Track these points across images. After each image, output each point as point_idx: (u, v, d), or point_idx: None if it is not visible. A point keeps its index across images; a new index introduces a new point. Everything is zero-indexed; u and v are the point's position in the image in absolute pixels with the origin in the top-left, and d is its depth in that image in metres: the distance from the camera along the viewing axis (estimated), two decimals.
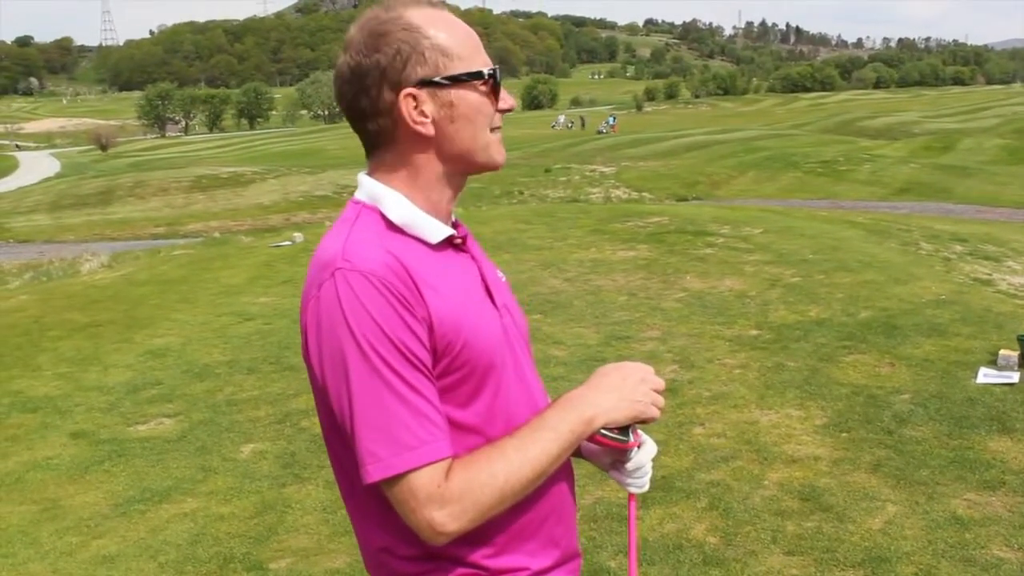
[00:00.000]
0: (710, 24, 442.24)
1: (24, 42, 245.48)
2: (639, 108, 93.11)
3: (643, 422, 1.42)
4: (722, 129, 48.43)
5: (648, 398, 1.41)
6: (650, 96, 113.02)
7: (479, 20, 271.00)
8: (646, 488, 1.52)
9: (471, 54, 1.35)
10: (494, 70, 1.37)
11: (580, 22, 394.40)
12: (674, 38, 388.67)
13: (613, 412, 1.37)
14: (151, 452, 5.12)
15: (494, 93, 1.37)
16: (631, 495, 1.54)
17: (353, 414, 1.23)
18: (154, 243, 21.04)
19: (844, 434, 4.67)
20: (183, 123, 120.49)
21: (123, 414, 5.79)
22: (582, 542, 3.71)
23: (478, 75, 1.34)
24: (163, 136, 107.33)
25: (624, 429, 1.41)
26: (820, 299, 7.25)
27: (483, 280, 1.41)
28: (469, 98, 1.34)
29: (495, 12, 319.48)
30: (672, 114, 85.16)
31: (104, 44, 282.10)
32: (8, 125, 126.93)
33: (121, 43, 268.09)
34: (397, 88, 1.30)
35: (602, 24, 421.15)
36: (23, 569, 3.91)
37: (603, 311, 7.50)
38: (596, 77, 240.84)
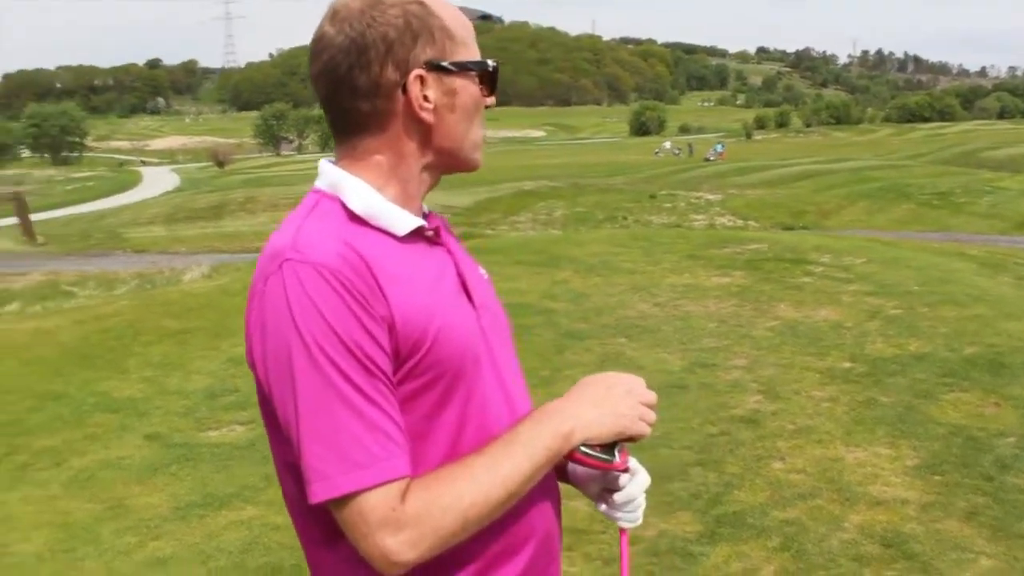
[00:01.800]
0: (824, 53, 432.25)
1: (154, 64, 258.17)
2: (748, 136, 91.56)
3: (631, 439, 1.26)
4: (834, 159, 47.12)
5: (635, 412, 1.25)
6: (760, 124, 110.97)
7: (588, 46, 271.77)
8: (638, 523, 1.34)
9: (471, 43, 1.26)
10: (496, 64, 1.28)
11: (690, 49, 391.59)
12: (786, 66, 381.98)
13: (594, 426, 1.22)
14: (218, 458, 5.13)
15: (490, 89, 1.28)
16: (622, 531, 1.36)
17: (299, 425, 1.09)
18: (257, 256, 21.56)
19: (937, 477, 4.33)
20: (296, 142, 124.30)
21: (198, 419, 5.84)
22: None
23: (483, 65, 1.26)
24: (277, 154, 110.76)
25: (609, 448, 1.25)
26: (922, 332, 6.83)
27: (459, 275, 1.28)
28: (470, 89, 1.25)
29: (605, 39, 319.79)
30: (783, 143, 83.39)
31: (226, 66, 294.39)
32: (135, 142, 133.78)
33: (242, 65, 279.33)
34: (403, 67, 1.19)
35: (713, 52, 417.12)
36: (80, 565, 3.93)
37: (690, 337, 7.24)
38: (706, 104, 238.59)
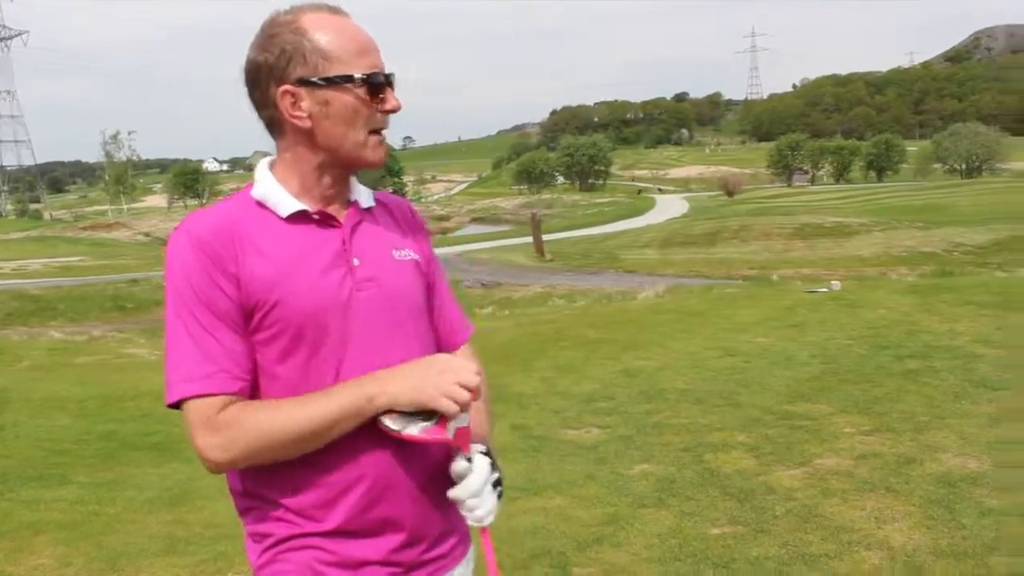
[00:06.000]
0: None
1: (680, 98, 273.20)
2: None
3: (431, 414, 1.39)
4: None
5: (439, 390, 1.39)
6: None
7: None
8: (483, 523, 1.46)
9: (352, 59, 1.47)
10: (368, 75, 1.47)
11: None
12: None
13: (397, 395, 1.40)
14: (560, 452, 5.56)
15: (374, 96, 1.48)
16: (482, 531, 1.48)
17: (165, 346, 1.45)
18: (731, 282, 21.88)
19: None
20: (811, 173, 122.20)
21: (565, 418, 6.34)
22: None
23: (349, 78, 1.46)
24: (788, 185, 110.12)
25: (409, 417, 1.38)
26: None
27: (344, 252, 1.51)
28: (343, 98, 1.47)
29: None
30: None
31: (749, 98, 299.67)
32: (656, 171, 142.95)
33: (765, 96, 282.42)
34: (280, 84, 1.47)
35: None
36: None
37: None
38: None
